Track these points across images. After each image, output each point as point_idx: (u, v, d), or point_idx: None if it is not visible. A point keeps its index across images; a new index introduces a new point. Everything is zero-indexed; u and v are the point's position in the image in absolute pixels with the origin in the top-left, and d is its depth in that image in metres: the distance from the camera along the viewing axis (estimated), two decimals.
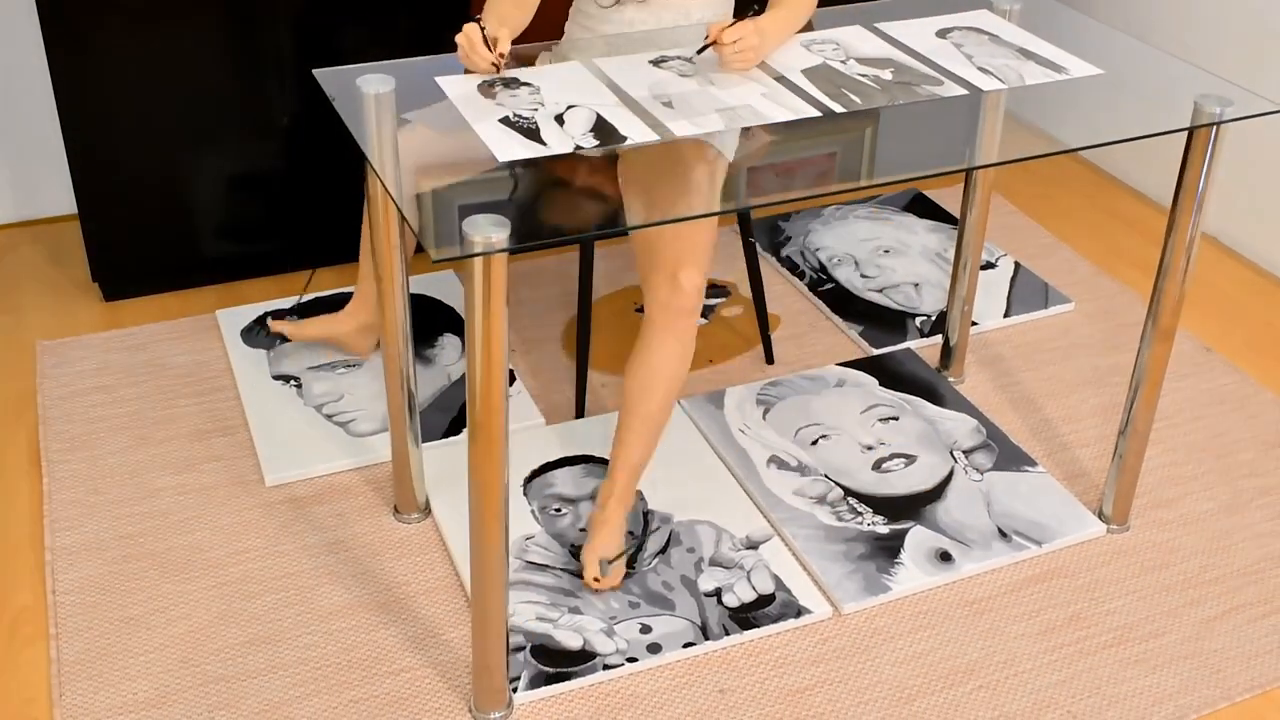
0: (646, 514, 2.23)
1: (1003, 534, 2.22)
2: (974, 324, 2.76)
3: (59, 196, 3.03)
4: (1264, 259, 3.08)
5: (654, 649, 1.98)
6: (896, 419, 2.49)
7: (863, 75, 1.96)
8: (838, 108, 1.86)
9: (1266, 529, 2.29)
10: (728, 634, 2.01)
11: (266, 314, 2.69)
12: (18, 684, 1.91)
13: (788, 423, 2.46)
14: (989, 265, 3.00)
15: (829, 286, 2.91)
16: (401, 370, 2.06)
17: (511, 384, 2.54)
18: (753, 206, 2.64)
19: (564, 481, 2.30)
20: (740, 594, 2.08)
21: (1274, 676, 2.00)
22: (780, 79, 1.93)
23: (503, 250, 1.49)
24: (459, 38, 1.87)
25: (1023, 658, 2.01)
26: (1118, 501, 2.24)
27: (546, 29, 2.11)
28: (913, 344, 2.73)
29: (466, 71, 1.91)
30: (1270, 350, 2.79)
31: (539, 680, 1.92)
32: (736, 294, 2.88)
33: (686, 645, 1.99)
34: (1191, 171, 1.95)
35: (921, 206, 3.24)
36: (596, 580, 2.05)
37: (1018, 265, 3.02)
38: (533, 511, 2.23)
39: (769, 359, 2.67)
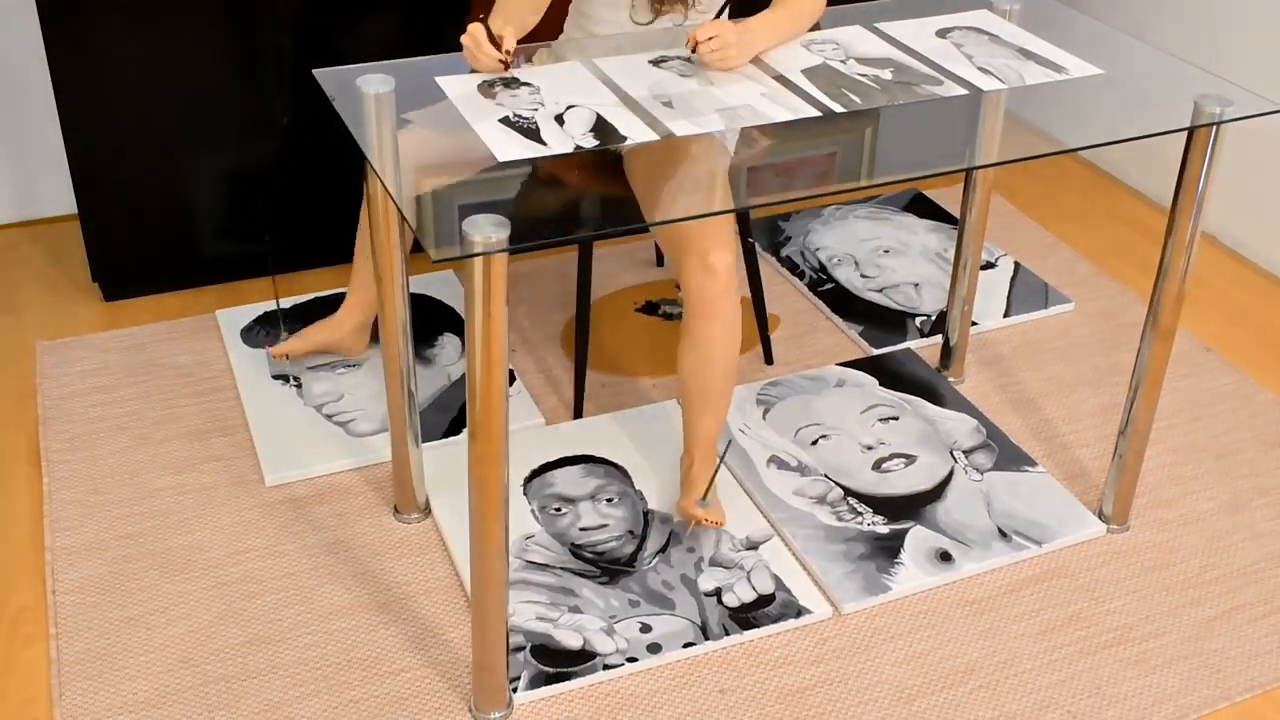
0: (647, 514, 2.23)
1: (1003, 534, 2.22)
2: (974, 324, 2.76)
3: (59, 196, 3.03)
4: (1264, 259, 3.08)
5: (654, 649, 1.98)
6: (896, 419, 2.49)
7: (863, 75, 1.96)
8: (838, 108, 1.86)
9: (1266, 529, 2.29)
10: (728, 634, 2.01)
11: (266, 313, 2.69)
12: (18, 684, 1.91)
13: (788, 423, 2.46)
14: (989, 265, 3.00)
15: (829, 286, 2.91)
16: (401, 370, 2.06)
17: (511, 384, 2.54)
18: (753, 206, 2.64)
19: (564, 481, 2.30)
20: (740, 594, 2.08)
21: (1274, 676, 2.00)
22: (780, 79, 1.93)
23: (503, 250, 1.49)
24: (464, 38, 1.87)
25: (1023, 658, 2.01)
26: (1118, 501, 2.24)
27: (546, 29, 2.11)
28: (913, 344, 2.73)
29: (472, 71, 1.91)
30: (1270, 350, 2.79)
31: (539, 680, 1.92)
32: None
33: (686, 645, 1.99)
34: (1191, 171, 1.95)
35: (921, 206, 3.24)
36: (706, 521, 2.16)
37: (1018, 265, 3.02)
38: (533, 511, 2.23)
39: (769, 359, 2.67)
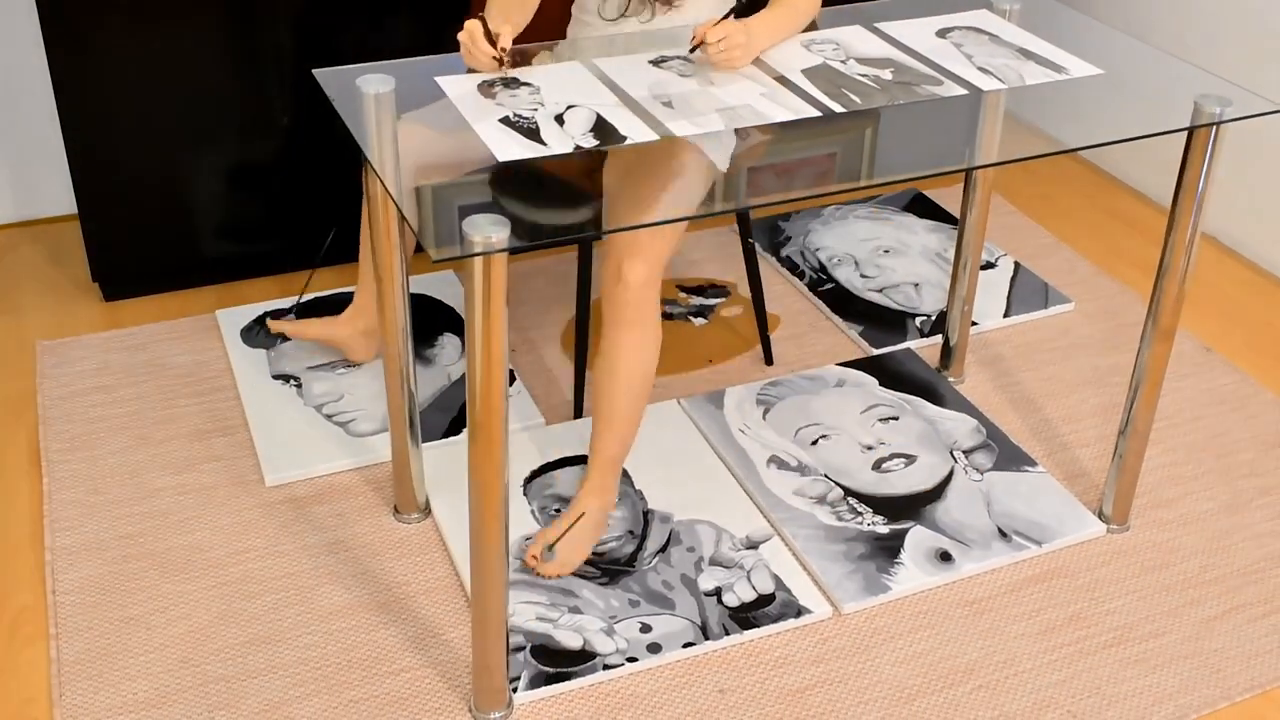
0: (647, 514, 2.23)
1: (1003, 534, 2.22)
2: (974, 324, 2.76)
3: (59, 196, 3.03)
4: (1264, 259, 3.08)
5: (654, 649, 1.98)
6: (896, 419, 2.49)
7: (863, 75, 1.96)
8: (838, 108, 1.86)
9: (1266, 529, 2.29)
10: (728, 634, 2.01)
11: (266, 314, 2.69)
12: (18, 684, 1.91)
13: (788, 423, 2.46)
14: (989, 265, 3.00)
15: (829, 286, 2.91)
16: (401, 370, 2.06)
17: (511, 384, 2.54)
18: (753, 206, 2.64)
19: (564, 481, 2.30)
20: (740, 594, 2.08)
21: (1274, 676, 2.00)
22: (780, 79, 1.93)
23: (502, 250, 1.49)
24: (461, 35, 1.87)
25: (1023, 658, 2.01)
26: (1118, 501, 2.24)
27: (546, 29, 2.11)
28: (913, 344, 2.73)
29: (469, 70, 1.91)
30: (1270, 350, 2.79)
31: (539, 680, 1.92)
32: (736, 294, 2.88)
33: (686, 645, 1.99)
34: (1191, 171, 1.95)
35: (921, 206, 3.24)
36: (534, 559, 2.07)
37: (1018, 265, 3.02)
38: (533, 511, 2.23)
39: (768, 359, 2.67)
